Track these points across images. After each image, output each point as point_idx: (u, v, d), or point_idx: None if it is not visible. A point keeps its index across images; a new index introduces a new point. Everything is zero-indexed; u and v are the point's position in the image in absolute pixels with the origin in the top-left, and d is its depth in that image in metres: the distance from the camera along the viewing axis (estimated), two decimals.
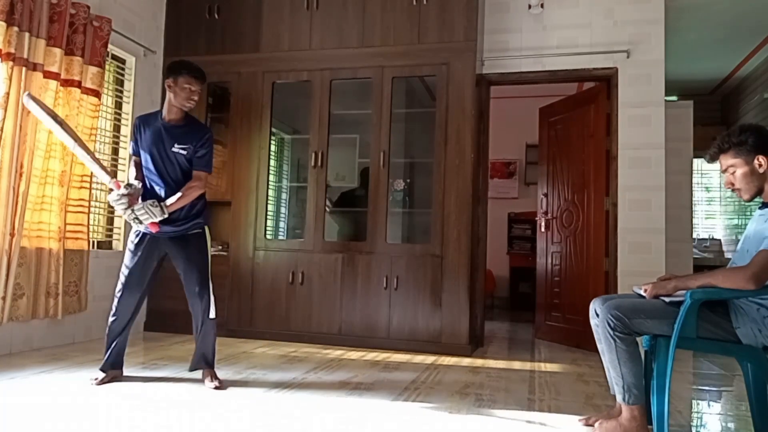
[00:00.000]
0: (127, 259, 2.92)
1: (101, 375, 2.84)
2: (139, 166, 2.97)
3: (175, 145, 2.87)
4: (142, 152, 2.93)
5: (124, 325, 2.91)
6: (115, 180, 2.73)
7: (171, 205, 2.77)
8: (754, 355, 2.09)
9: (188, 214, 2.91)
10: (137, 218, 2.70)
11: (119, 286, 2.91)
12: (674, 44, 5.40)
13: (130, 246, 2.92)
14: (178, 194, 2.82)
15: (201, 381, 2.92)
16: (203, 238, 2.98)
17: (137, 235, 2.92)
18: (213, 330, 2.96)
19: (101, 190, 4.25)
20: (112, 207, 4.33)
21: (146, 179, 2.93)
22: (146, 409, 2.43)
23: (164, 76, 2.92)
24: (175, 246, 2.93)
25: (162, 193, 2.88)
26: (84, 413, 2.36)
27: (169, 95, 2.90)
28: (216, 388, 2.81)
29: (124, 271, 2.91)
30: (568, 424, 2.44)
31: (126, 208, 2.69)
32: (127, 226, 4.40)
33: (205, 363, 2.95)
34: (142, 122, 2.97)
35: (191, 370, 3.00)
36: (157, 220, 2.72)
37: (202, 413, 2.41)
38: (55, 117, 2.71)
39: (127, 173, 3.05)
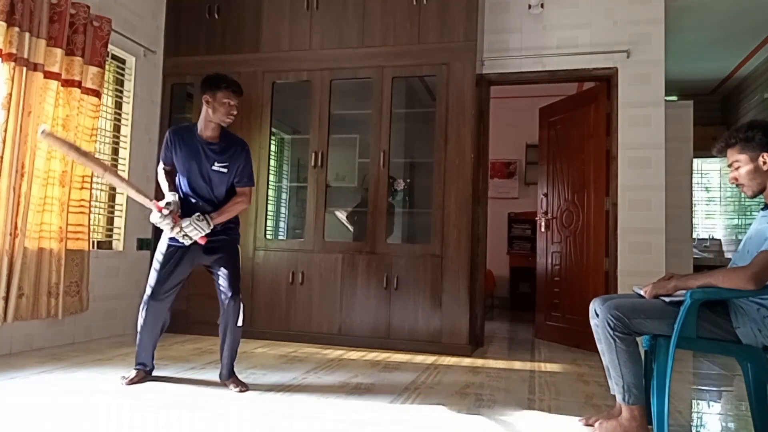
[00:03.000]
0: (156, 270, 2.86)
1: (132, 374, 2.87)
2: (169, 174, 2.92)
3: (216, 164, 2.82)
4: (178, 167, 2.87)
5: (151, 332, 2.90)
6: (154, 202, 2.68)
7: (217, 219, 2.76)
8: (754, 355, 2.09)
9: (223, 226, 2.87)
10: (186, 235, 2.68)
11: (146, 297, 2.86)
12: (674, 44, 5.41)
13: (159, 257, 2.86)
14: (224, 209, 2.81)
15: (206, 384, 2.93)
16: (236, 246, 2.97)
17: (168, 247, 2.85)
18: (239, 337, 2.92)
19: (101, 190, 4.25)
20: (113, 207, 4.37)
21: (181, 192, 2.88)
22: (146, 409, 2.43)
23: (201, 90, 2.85)
24: (208, 254, 2.87)
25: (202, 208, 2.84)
26: (84, 413, 2.36)
27: (206, 110, 2.80)
28: (240, 391, 2.77)
29: (152, 281, 2.86)
30: (568, 424, 2.44)
31: (173, 227, 2.67)
32: (130, 227, 4.41)
33: (230, 371, 2.90)
34: (176, 137, 2.87)
35: (223, 380, 2.89)
36: (204, 234, 2.71)
37: (202, 413, 2.41)
38: (77, 149, 2.68)
39: (158, 180, 3.01)
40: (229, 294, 2.84)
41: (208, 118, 2.81)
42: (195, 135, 2.85)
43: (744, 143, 2.12)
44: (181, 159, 2.84)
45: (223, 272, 2.86)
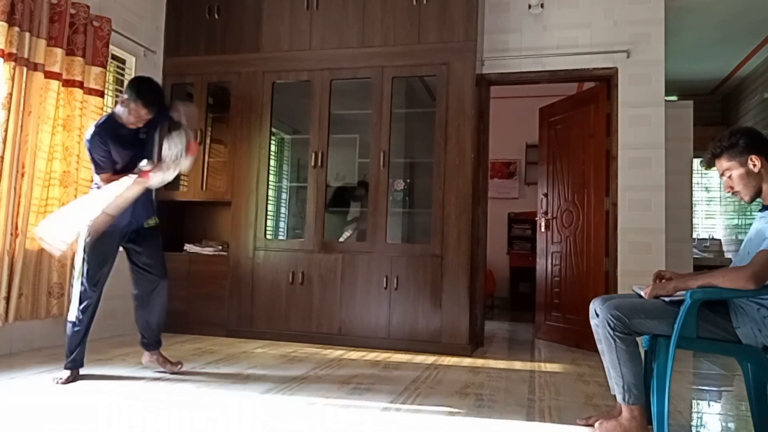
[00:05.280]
0: (90, 258, 2.91)
1: (66, 374, 2.85)
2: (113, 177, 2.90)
3: (140, 133, 2.99)
4: (118, 160, 2.91)
5: (89, 326, 2.97)
6: (137, 176, 2.79)
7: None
8: (754, 355, 2.09)
9: (147, 211, 3.09)
10: (177, 159, 2.83)
11: (86, 287, 2.90)
12: (674, 44, 5.40)
13: (88, 246, 2.89)
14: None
15: (207, 384, 2.93)
16: (158, 231, 3.19)
17: (88, 237, 2.88)
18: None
19: None
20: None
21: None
22: (146, 409, 2.44)
23: (126, 87, 2.91)
24: (134, 238, 3.06)
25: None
26: (84, 413, 2.36)
27: (121, 107, 2.87)
28: (172, 372, 3.09)
29: (88, 270, 2.90)
30: (568, 424, 2.44)
31: (169, 167, 2.82)
32: None
33: (159, 341, 3.21)
34: (105, 134, 2.85)
35: (151, 350, 3.19)
36: (187, 141, 2.86)
37: (202, 413, 2.42)
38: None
39: (107, 190, 2.90)
40: (162, 275, 3.13)
41: (123, 114, 2.88)
42: (116, 123, 2.90)
43: (729, 151, 2.14)
44: (116, 152, 2.88)
45: (154, 257, 3.11)
